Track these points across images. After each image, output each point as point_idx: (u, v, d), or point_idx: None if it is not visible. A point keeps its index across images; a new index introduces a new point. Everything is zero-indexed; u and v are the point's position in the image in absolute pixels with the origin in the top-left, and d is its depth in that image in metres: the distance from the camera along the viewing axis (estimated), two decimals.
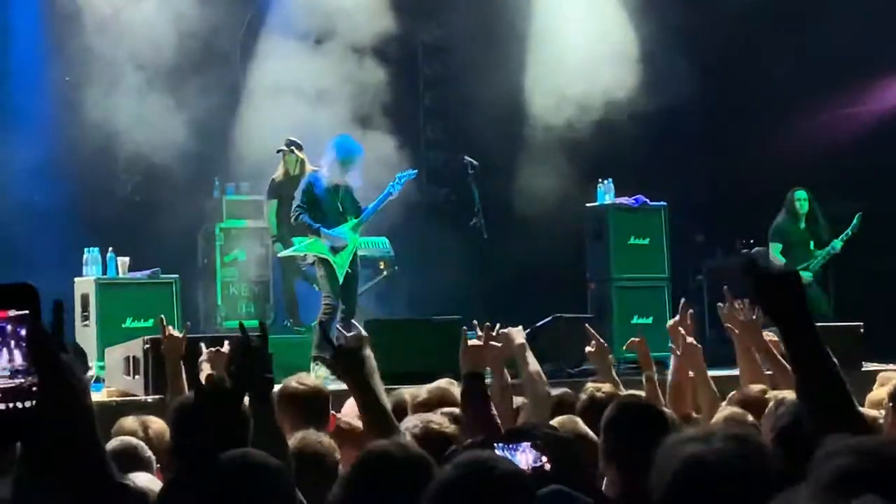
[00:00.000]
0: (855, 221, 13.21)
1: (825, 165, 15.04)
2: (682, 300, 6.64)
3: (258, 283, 13.78)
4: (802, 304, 3.03)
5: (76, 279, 11.81)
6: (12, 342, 2.35)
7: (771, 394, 5.40)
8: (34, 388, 2.34)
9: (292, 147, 12.82)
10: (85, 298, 11.63)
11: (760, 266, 3.15)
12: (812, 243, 13.52)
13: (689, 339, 6.14)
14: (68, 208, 13.40)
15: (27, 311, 2.35)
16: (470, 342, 5.20)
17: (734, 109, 15.79)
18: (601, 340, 6.39)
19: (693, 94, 15.38)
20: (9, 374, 2.35)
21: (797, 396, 3.12)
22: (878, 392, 5.97)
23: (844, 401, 2.98)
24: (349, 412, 5.62)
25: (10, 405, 2.35)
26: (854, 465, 2.14)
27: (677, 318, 6.34)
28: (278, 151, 12.91)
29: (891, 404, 5.24)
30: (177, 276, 12.09)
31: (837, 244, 13.29)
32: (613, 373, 6.37)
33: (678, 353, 6.12)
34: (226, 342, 5.91)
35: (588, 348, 6.44)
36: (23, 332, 2.33)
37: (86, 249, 11.96)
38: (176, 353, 6.20)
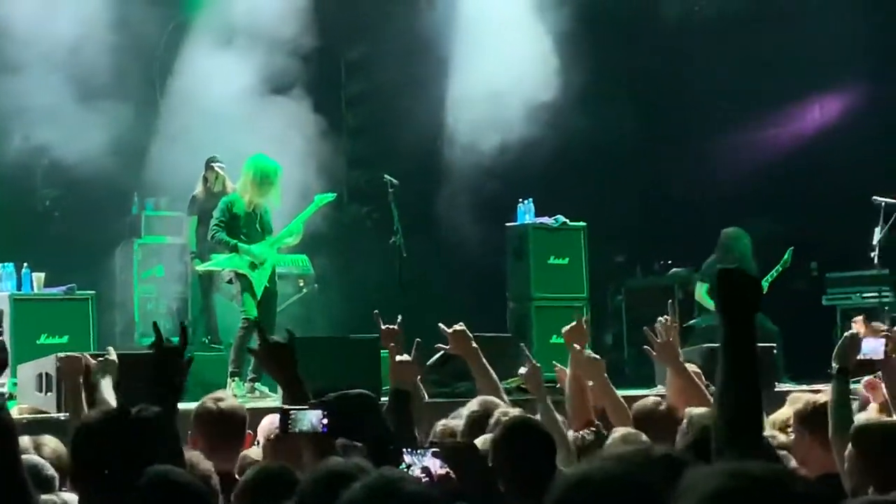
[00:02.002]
0: (786, 257, 13.19)
1: (745, 187, 15.22)
2: (576, 314, 6.70)
3: (176, 299, 13.69)
4: (754, 311, 3.11)
5: None
6: None
7: (664, 406, 5.46)
8: None
9: (213, 164, 12.77)
10: None
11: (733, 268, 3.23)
12: None
13: (587, 352, 6.17)
14: None
15: None
16: (398, 358, 5.21)
17: (655, 130, 15.93)
18: (534, 361, 6.33)
19: (614, 115, 15.50)
20: None
21: (715, 404, 3.16)
22: (782, 412, 6.03)
23: (756, 418, 3.05)
24: (266, 429, 5.59)
25: None
26: (725, 487, 2.17)
27: (570, 326, 6.39)
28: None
29: (800, 426, 5.28)
30: (94, 292, 11.98)
31: (764, 285, 13.19)
32: (545, 393, 6.26)
33: (573, 364, 6.18)
34: (110, 348, 5.81)
35: (521, 369, 6.39)
36: None
37: (0, 264, 11.82)
38: (76, 373, 6.11)
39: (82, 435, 3.77)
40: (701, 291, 13.46)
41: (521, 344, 6.99)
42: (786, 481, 2.21)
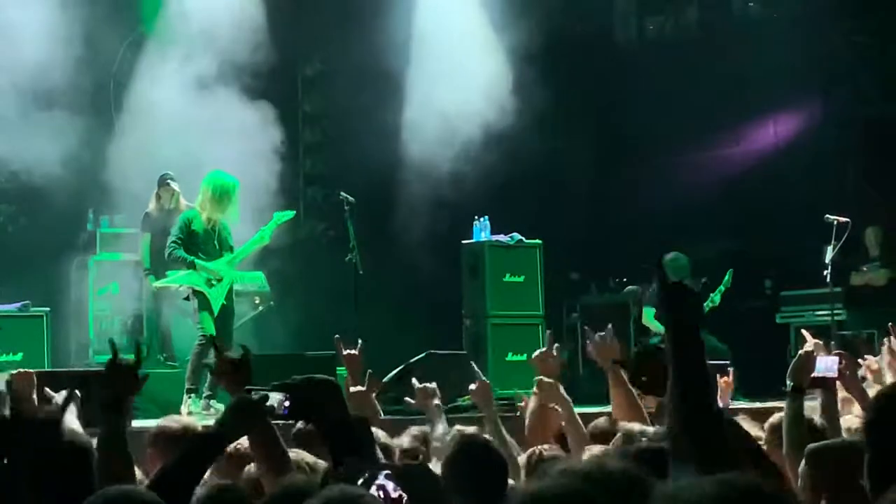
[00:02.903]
0: (727, 278, 13.29)
1: (700, 205, 15.31)
2: (549, 332, 6.64)
3: (132, 316, 13.61)
4: (694, 316, 3.14)
5: None
6: None
7: (621, 425, 5.46)
8: None
9: (167, 180, 12.72)
10: None
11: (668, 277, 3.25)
12: None
13: (547, 379, 6.10)
14: None
15: None
16: (352, 390, 5.20)
17: (610, 149, 16.02)
18: (484, 378, 6.27)
19: (570, 134, 15.58)
20: None
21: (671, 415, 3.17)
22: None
23: (713, 422, 3.08)
24: None
25: None
26: (708, 495, 2.20)
27: (542, 350, 6.33)
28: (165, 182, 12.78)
29: (771, 437, 5.29)
30: (48, 308, 11.92)
31: (717, 298, 13.26)
32: (494, 411, 6.18)
33: (536, 390, 6.15)
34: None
35: (471, 386, 6.29)
36: None
37: None
38: (29, 391, 6.08)
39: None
40: (647, 316, 13.55)
41: (471, 361, 6.93)
42: (768, 491, 2.24)
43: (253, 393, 3.91)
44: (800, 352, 5.26)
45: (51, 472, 3.66)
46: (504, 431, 5.89)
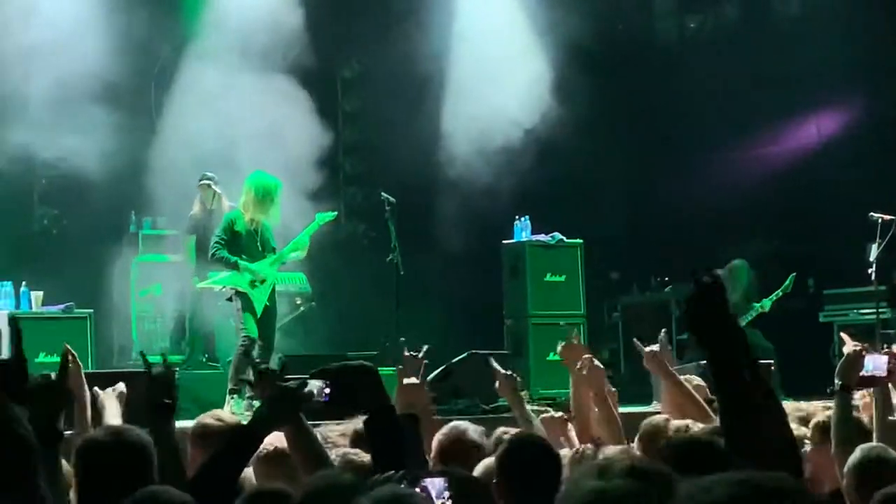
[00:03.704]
0: (787, 282, 13.22)
1: (740, 204, 15.24)
2: (569, 328, 6.65)
3: (174, 318, 13.66)
4: (723, 317, 3.04)
5: None
6: None
7: (674, 423, 5.43)
8: None
9: (208, 181, 12.77)
10: None
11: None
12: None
13: (585, 357, 6.10)
14: None
15: None
16: (405, 381, 5.14)
17: (652, 148, 15.96)
18: (504, 374, 6.18)
19: (611, 133, 15.54)
20: None
21: (720, 418, 3.14)
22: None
23: (762, 429, 3.01)
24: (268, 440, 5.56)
25: None
26: (734, 495, 2.18)
27: (564, 345, 6.34)
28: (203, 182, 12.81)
29: (819, 437, 5.25)
30: (91, 310, 11.98)
31: (767, 304, 13.18)
32: (525, 406, 6.18)
33: (574, 376, 6.15)
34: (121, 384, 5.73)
35: (496, 384, 6.23)
36: None
37: None
38: (79, 388, 6.10)
39: (88, 450, 3.79)
40: None
41: (490, 357, 6.79)
42: (797, 492, 2.22)
43: (290, 382, 3.93)
44: (848, 350, 5.22)
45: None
46: (535, 423, 5.85)
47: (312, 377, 3.84)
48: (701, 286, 3.02)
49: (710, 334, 3.01)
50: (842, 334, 5.95)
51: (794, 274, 13.24)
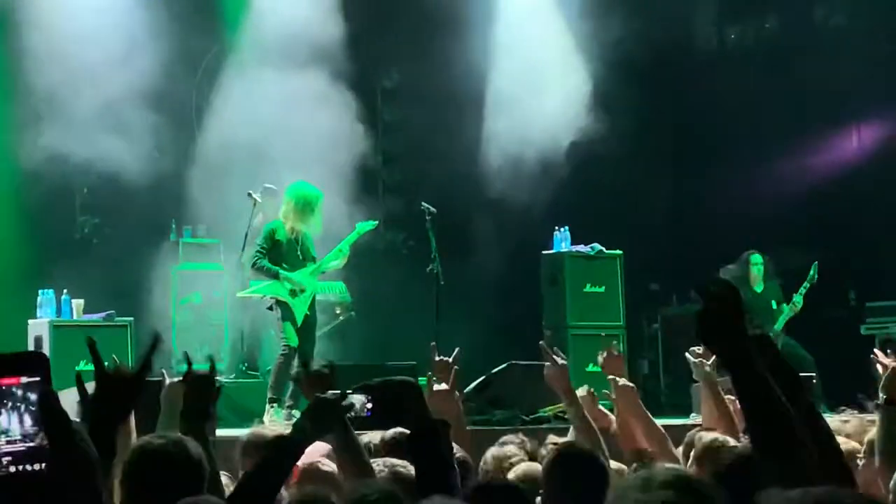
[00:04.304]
0: (812, 272, 13.13)
1: (783, 215, 15.17)
2: (609, 340, 6.60)
3: (213, 326, 13.71)
4: (738, 325, 2.95)
5: (30, 321, 11.75)
6: (22, 407, 2.44)
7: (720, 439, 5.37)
8: (44, 452, 2.41)
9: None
10: (38, 340, 11.57)
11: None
12: (773, 303, 13.30)
13: (621, 381, 6.06)
14: (23, 249, 13.32)
15: (38, 378, 2.44)
16: (436, 388, 5.12)
17: (692, 159, 15.91)
18: (557, 359, 5.77)
19: (650, 144, 15.50)
20: (20, 437, 2.44)
21: (747, 432, 3.09)
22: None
23: (789, 434, 2.93)
24: (313, 453, 5.57)
25: (21, 468, 2.43)
26: None
27: (605, 356, 6.28)
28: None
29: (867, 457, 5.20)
30: (132, 318, 12.04)
31: (798, 300, 13.06)
32: (575, 394, 5.81)
33: (612, 395, 6.11)
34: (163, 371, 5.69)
35: (546, 369, 5.80)
36: (33, 397, 2.42)
37: (40, 291, 11.91)
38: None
39: (139, 457, 3.80)
40: None
41: (541, 342, 6.42)
42: None
43: (330, 393, 3.93)
44: (892, 364, 5.17)
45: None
46: (589, 420, 5.70)
47: (354, 391, 3.84)
48: (710, 297, 2.95)
49: (728, 346, 2.93)
50: (875, 350, 5.89)
51: (817, 262, 13.10)
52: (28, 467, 2.43)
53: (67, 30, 12.94)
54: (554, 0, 14.98)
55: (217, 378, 4.30)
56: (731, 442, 5.23)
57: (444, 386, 5.19)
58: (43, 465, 2.44)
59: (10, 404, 2.44)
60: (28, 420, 2.44)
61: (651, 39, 15.47)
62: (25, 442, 2.44)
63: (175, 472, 3.69)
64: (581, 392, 5.94)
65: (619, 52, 14.57)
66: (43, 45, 12.94)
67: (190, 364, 4.29)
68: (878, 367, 5.21)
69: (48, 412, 2.43)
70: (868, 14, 15.55)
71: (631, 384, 6.16)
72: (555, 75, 14.56)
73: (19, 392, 2.45)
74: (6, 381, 2.45)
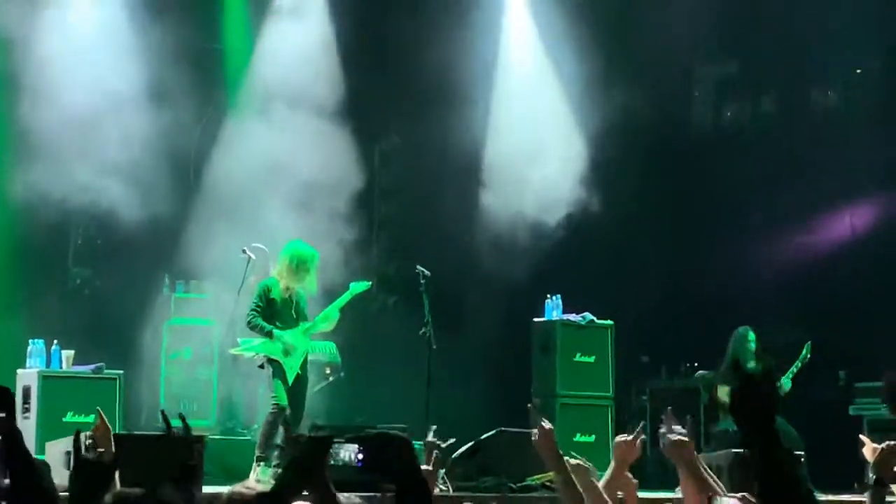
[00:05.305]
0: (805, 352, 13.14)
1: (774, 293, 15.21)
2: (637, 421, 6.43)
3: (203, 382, 13.69)
4: (769, 410, 3.02)
5: (19, 371, 11.73)
6: None
7: None
8: (5, 489, 2.40)
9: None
10: (27, 391, 11.55)
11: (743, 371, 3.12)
12: None
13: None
14: (14, 299, 13.31)
15: (3, 414, 2.42)
16: (424, 468, 5.09)
17: (685, 234, 15.97)
18: (544, 425, 5.54)
19: (645, 218, 15.57)
20: None
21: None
22: None
23: None
24: None
25: None
26: None
27: (627, 439, 6.18)
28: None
29: None
30: (121, 371, 12.02)
31: (787, 382, 13.07)
32: (562, 458, 5.54)
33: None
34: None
35: (534, 436, 5.56)
36: None
37: (31, 341, 11.89)
38: (109, 443, 6.06)
39: None
40: (722, 393, 13.39)
41: (529, 405, 6.30)
42: None
43: (318, 430, 3.93)
44: (883, 445, 5.20)
45: None
46: (576, 485, 5.62)
47: (348, 441, 3.85)
48: (749, 379, 3.01)
49: (759, 429, 2.99)
50: (861, 437, 5.90)
51: (810, 342, 13.13)
52: None
53: (67, 75, 12.99)
54: (553, 73, 15.11)
55: (194, 435, 4.29)
56: None
57: (426, 467, 5.14)
58: (3, 502, 2.44)
59: None
60: None
61: (648, 115, 15.59)
62: None
63: None
64: (576, 462, 5.90)
65: (617, 126, 14.68)
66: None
67: (167, 423, 4.29)
68: (864, 451, 5.25)
69: (11, 449, 2.42)
70: (862, 96, 15.69)
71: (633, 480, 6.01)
72: (552, 147, 14.67)
73: None
74: None
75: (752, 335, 13.35)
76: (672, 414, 6.13)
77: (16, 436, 2.40)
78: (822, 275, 15.39)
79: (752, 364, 13.27)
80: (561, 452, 5.70)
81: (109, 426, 6.31)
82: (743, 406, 3.02)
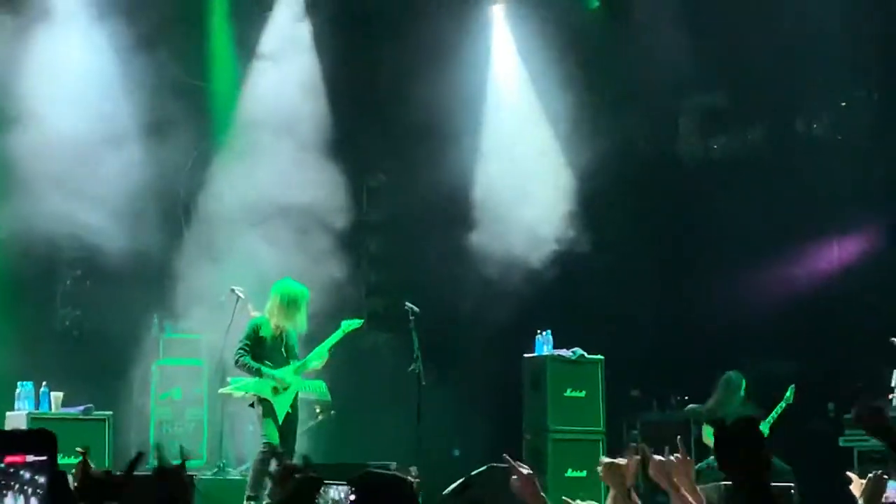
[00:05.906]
0: (788, 394, 13.15)
1: (762, 325, 15.20)
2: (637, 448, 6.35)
3: (192, 422, 13.66)
4: (755, 453, 3.05)
5: (8, 413, 11.68)
6: (29, 490, 2.37)
7: None
8: None
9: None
10: None
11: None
12: None
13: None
14: (3, 340, 13.27)
15: (45, 458, 2.37)
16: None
17: (673, 266, 15.98)
18: (523, 470, 5.48)
19: (634, 251, 15.58)
20: None
21: None
22: None
23: None
24: None
25: None
26: None
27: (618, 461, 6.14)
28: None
29: None
30: (111, 412, 11.98)
31: (765, 428, 13.04)
32: (546, 501, 5.87)
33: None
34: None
35: (512, 481, 5.48)
36: (41, 480, 2.34)
37: (19, 383, 11.86)
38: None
39: None
40: (707, 434, 13.39)
41: (504, 454, 6.24)
42: None
43: (307, 463, 3.91)
44: (870, 475, 5.21)
45: None
46: None
47: (343, 483, 3.85)
48: (739, 426, 3.06)
49: (748, 468, 3.02)
50: (848, 473, 5.91)
51: (794, 385, 13.14)
52: None
53: (56, 118, 13.01)
54: (540, 110, 15.16)
55: (189, 474, 4.27)
56: None
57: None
58: None
59: (16, 486, 2.39)
60: (34, 503, 2.40)
61: (636, 149, 15.64)
62: None
63: None
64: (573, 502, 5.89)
65: (604, 160, 14.71)
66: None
67: (161, 457, 4.25)
68: (852, 488, 5.27)
69: (56, 493, 2.40)
70: (849, 126, 15.74)
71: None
72: (541, 181, 14.70)
73: (27, 474, 2.40)
74: (11, 458, 2.39)
75: (744, 383, 13.37)
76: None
77: (60, 479, 2.38)
78: (810, 306, 15.40)
79: (734, 410, 13.25)
80: (544, 496, 5.70)
81: (90, 465, 6.29)
82: (728, 459, 3.05)
